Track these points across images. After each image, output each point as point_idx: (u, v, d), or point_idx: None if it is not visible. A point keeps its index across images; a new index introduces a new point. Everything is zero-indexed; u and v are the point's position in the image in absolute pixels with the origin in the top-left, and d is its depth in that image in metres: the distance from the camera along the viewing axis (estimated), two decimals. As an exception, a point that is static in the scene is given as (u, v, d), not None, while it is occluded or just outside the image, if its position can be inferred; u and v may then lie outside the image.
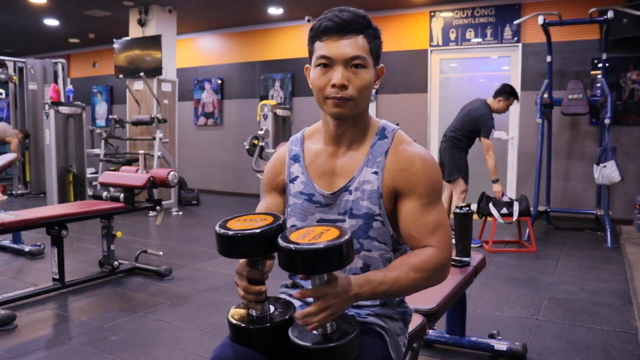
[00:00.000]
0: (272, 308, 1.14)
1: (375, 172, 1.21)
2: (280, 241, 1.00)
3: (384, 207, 1.21)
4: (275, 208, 1.33)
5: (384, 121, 1.29)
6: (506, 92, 4.70)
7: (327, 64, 1.17)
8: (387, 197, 1.20)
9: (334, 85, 1.16)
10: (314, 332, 1.04)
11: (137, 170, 3.99)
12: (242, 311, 1.15)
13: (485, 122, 4.61)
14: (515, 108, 6.28)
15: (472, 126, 4.68)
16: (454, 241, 4.72)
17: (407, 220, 1.19)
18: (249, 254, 1.08)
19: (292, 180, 1.30)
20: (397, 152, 1.22)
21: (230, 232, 1.05)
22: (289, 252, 0.98)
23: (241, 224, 1.09)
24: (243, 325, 1.10)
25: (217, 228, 1.07)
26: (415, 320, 1.67)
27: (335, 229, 1.03)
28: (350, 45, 1.15)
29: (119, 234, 3.85)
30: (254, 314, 1.12)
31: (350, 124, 1.24)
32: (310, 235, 1.01)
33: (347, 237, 0.99)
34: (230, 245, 1.06)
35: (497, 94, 4.73)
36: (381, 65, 1.25)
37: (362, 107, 1.21)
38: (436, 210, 1.20)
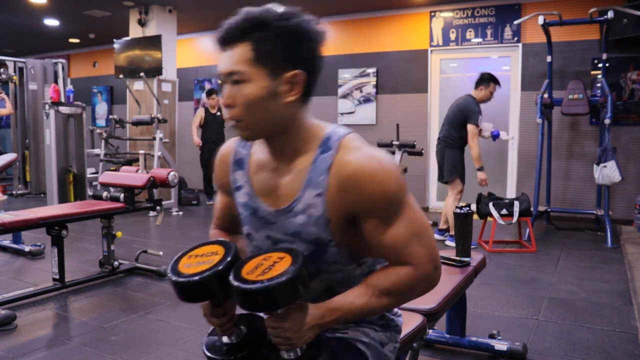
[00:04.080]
0: (244, 330, 1.12)
1: (319, 194, 1.03)
2: (231, 278, 0.95)
3: (336, 232, 1.04)
4: (228, 210, 1.25)
5: (332, 128, 1.07)
6: (485, 80, 4.72)
7: (222, 81, 1.03)
8: (338, 222, 1.04)
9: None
10: (285, 355, 1.01)
11: (137, 170, 3.99)
12: (216, 339, 1.13)
13: (471, 108, 4.62)
14: (515, 108, 6.29)
15: (460, 118, 4.67)
16: (453, 243, 4.73)
17: (373, 242, 1.04)
18: (207, 298, 1.04)
19: (237, 188, 1.17)
20: (340, 167, 1.01)
21: (181, 279, 0.99)
22: (237, 291, 0.93)
23: (193, 263, 1.03)
24: (219, 358, 1.08)
25: (170, 273, 1.01)
26: (415, 320, 1.67)
27: (289, 257, 0.97)
28: (229, 58, 1.00)
29: (119, 234, 3.85)
30: (226, 340, 1.10)
31: (278, 140, 1.06)
32: (264, 266, 0.96)
33: (293, 273, 0.92)
34: (185, 293, 1.01)
35: (477, 84, 4.76)
36: (295, 71, 0.99)
37: (262, 127, 1.03)
38: (404, 222, 1.02)
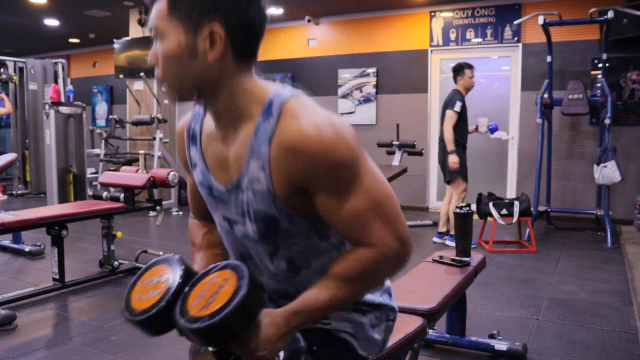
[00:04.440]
0: None
1: (262, 168, 0.92)
2: (176, 314, 0.87)
3: (285, 208, 0.95)
4: (197, 193, 1.16)
5: (276, 90, 0.95)
6: (458, 70, 4.76)
7: None
8: (286, 197, 0.93)
9: None
10: None
11: (137, 170, 3.99)
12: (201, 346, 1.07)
13: (451, 99, 4.67)
14: (515, 108, 6.29)
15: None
16: (453, 243, 4.68)
17: (327, 218, 0.94)
18: (168, 329, 0.94)
19: (193, 167, 1.08)
20: (280, 137, 0.89)
21: (132, 318, 0.92)
22: (184, 330, 0.85)
23: (144, 293, 0.94)
24: None
25: (124, 309, 0.93)
26: (415, 323, 1.67)
27: (235, 277, 0.86)
28: (151, 15, 0.92)
29: (119, 234, 3.85)
30: (211, 348, 1.01)
31: (213, 103, 0.95)
32: (209, 293, 0.86)
33: (238, 301, 0.81)
34: (143, 330, 0.93)
35: (454, 78, 4.79)
36: (213, 25, 0.87)
37: (184, 88, 0.93)
38: (360, 194, 0.91)
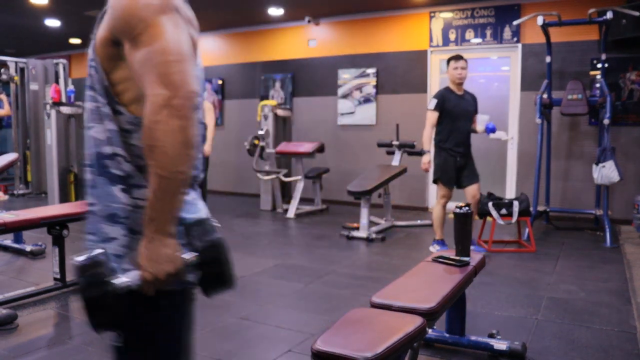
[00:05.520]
0: None
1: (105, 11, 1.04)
2: None
3: (97, 52, 1.03)
4: None
5: None
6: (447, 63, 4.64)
7: None
8: (99, 40, 1.02)
9: None
10: (186, 256, 1.02)
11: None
12: None
13: (432, 97, 4.62)
14: (515, 108, 6.30)
15: None
16: (433, 249, 4.55)
17: (132, 73, 0.99)
18: None
19: None
20: None
21: None
22: None
23: None
24: None
25: None
26: (415, 322, 1.69)
27: None
28: None
29: (120, 233, 3.86)
30: None
31: None
32: None
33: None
34: None
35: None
36: None
37: None
38: (148, 46, 0.94)
